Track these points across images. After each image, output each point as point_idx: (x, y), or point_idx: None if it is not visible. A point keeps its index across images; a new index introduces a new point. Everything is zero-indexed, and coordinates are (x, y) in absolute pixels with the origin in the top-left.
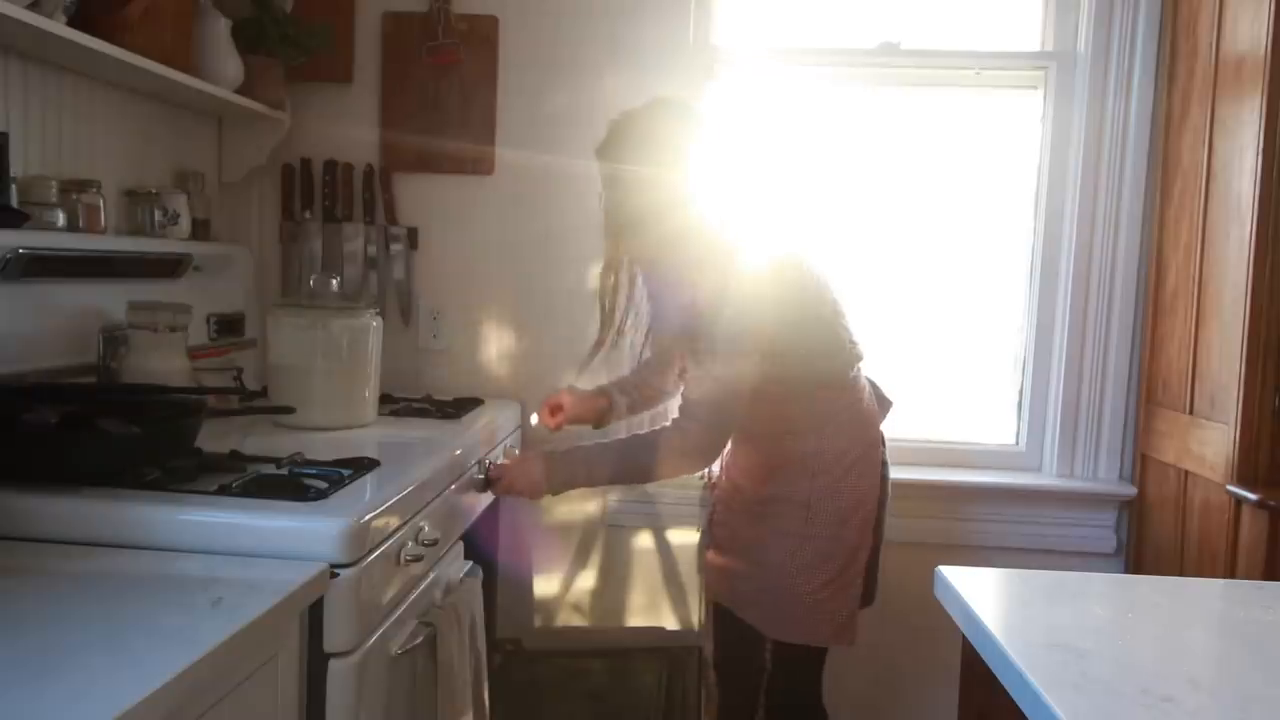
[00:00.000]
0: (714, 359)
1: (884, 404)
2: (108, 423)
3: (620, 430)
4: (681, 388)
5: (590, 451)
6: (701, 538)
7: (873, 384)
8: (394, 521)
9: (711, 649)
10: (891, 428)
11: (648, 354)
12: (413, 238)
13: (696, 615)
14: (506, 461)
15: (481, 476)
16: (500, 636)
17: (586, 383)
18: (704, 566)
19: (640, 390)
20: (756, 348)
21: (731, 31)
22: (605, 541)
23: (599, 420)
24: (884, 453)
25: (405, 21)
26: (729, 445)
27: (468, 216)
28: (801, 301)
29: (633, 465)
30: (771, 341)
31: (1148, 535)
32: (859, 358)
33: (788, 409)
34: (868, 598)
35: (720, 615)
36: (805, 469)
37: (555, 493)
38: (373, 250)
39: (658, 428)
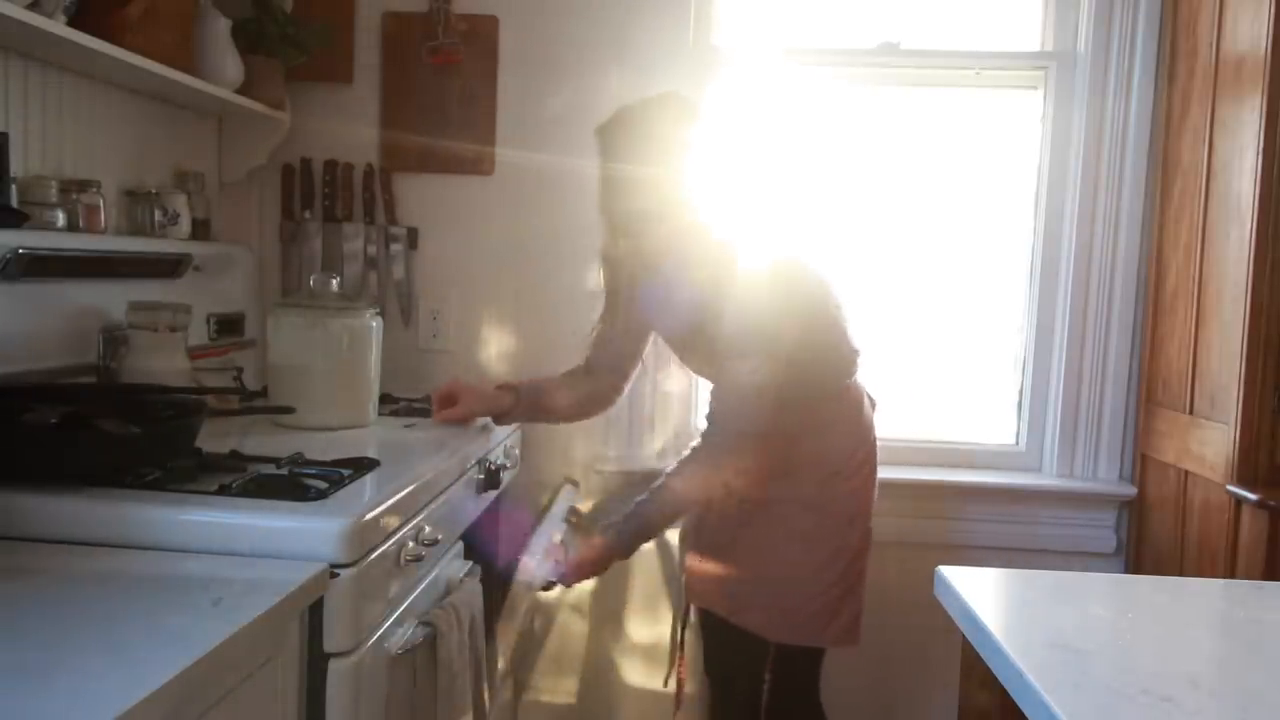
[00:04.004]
0: (738, 355)
1: (873, 405)
2: (108, 423)
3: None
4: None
5: (649, 504)
6: (681, 544)
7: (866, 391)
8: (394, 521)
9: (679, 657)
10: (892, 428)
11: (603, 351)
12: (413, 238)
13: (674, 623)
14: (558, 559)
15: (547, 581)
16: None
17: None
18: (685, 572)
19: (555, 394)
20: (778, 339)
21: (731, 31)
22: None
23: (499, 417)
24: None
25: (405, 21)
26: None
27: (468, 216)
28: (809, 301)
29: (694, 496)
30: (787, 338)
31: (1148, 535)
32: (861, 360)
33: (799, 409)
34: None
35: (710, 623)
36: (816, 470)
37: (627, 555)
38: (373, 250)
39: (689, 456)
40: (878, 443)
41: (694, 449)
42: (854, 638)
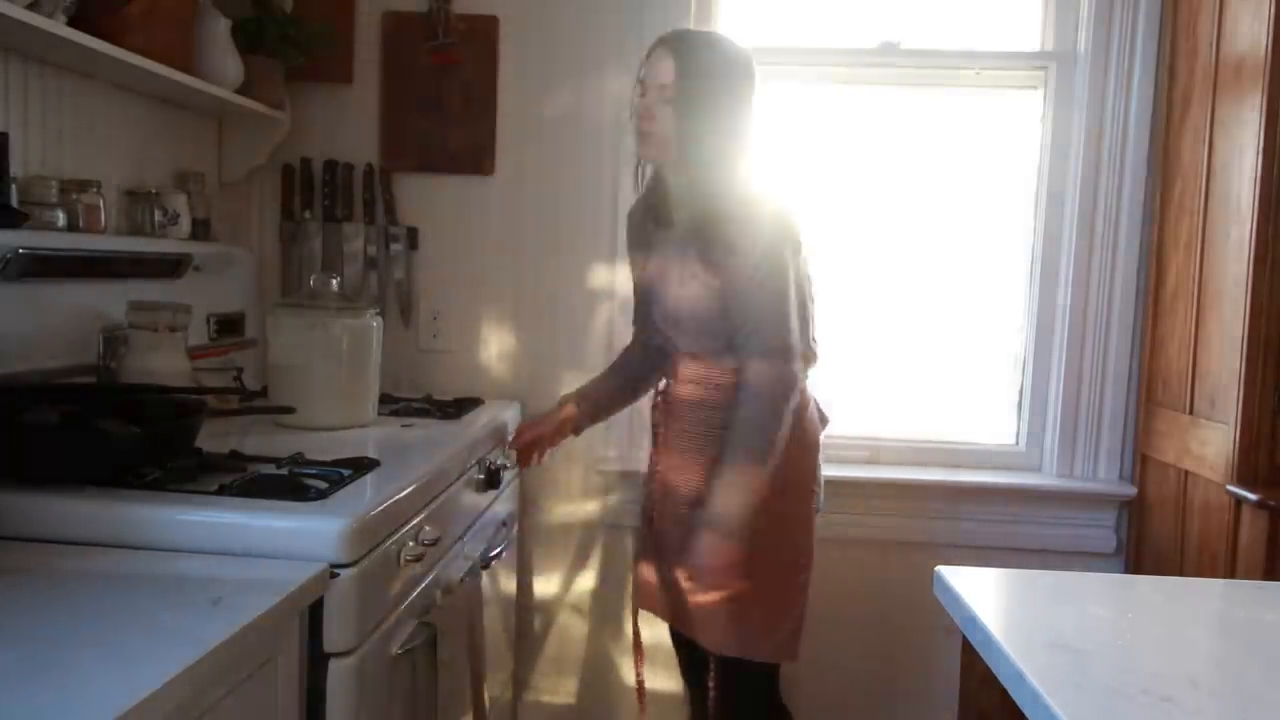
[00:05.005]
0: (780, 349)
1: (823, 419)
2: (108, 423)
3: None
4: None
5: (729, 478)
6: (636, 548)
7: (815, 399)
8: (394, 521)
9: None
10: (892, 428)
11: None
12: (413, 238)
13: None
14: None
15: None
16: None
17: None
18: (634, 572)
19: (609, 382)
20: (801, 334)
21: (732, 31)
22: (605, 542)
23: (575, 429)
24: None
25: (405, 21)
26: (666, 443)
27: (468, 216)
28: (799, 275)
29: (756, 446)
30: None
31: (1148, 535)
32: (816, 359)
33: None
34: None
35: (675, 630)
36: (778, 473)
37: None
38: (373, 250)
39: (739, 399)
40: (878, 442)
41: (740, 398)
42: (791, 653)
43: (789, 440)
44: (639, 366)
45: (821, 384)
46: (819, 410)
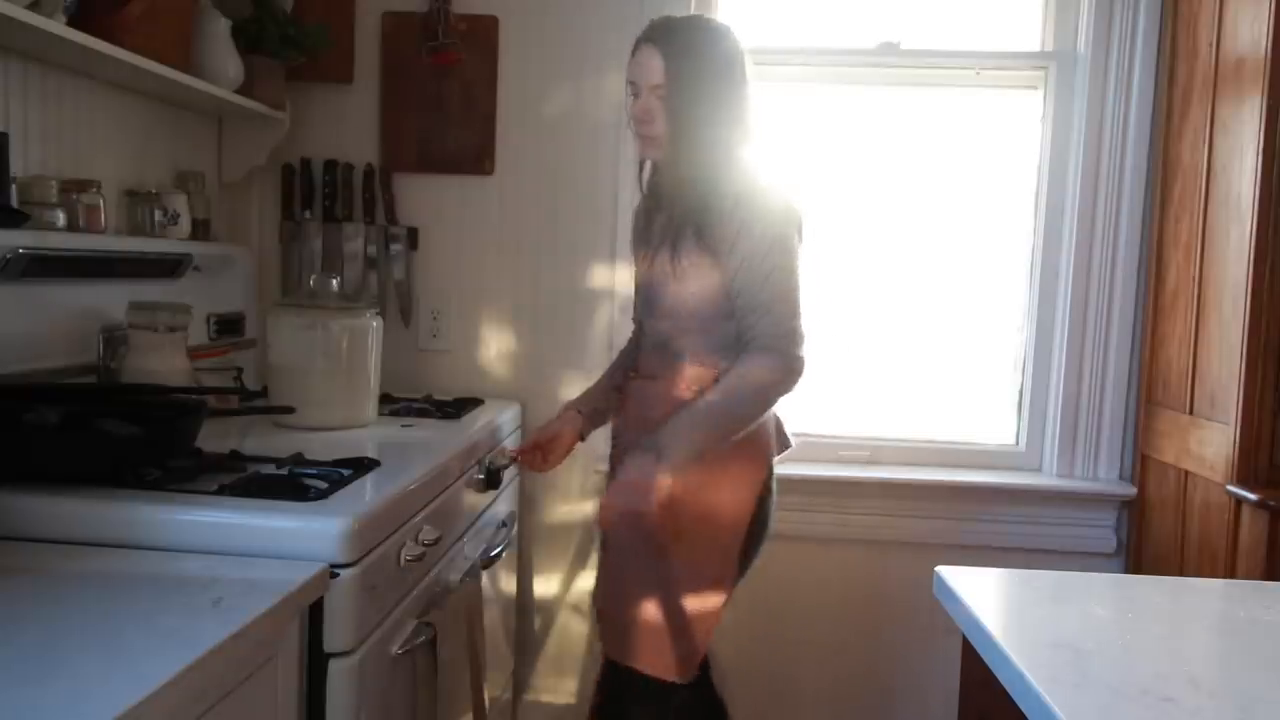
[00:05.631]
0: (769, 270)
1: (783, 443)
2: (108, 423)
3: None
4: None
5: (692, 419)
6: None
7: (779, 420)
8: (394, 521)
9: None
10: (892, 428)
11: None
12: (413, 238)
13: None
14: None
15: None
16: None
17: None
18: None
19: (615, 377)
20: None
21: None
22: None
23: (582, 436)
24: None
25: (405, 21)
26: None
27: (468, 216)
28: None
29: (738, 416)
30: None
31: (1148, 535)
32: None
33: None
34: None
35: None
36: (707, 489)
37: (675, 474)
38: (373, 250)
39: (741, 369)
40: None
41: (745, 367)
42: (685, 674)
43: (733, 457)
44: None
45: (817, 387)
46: (778, 429)
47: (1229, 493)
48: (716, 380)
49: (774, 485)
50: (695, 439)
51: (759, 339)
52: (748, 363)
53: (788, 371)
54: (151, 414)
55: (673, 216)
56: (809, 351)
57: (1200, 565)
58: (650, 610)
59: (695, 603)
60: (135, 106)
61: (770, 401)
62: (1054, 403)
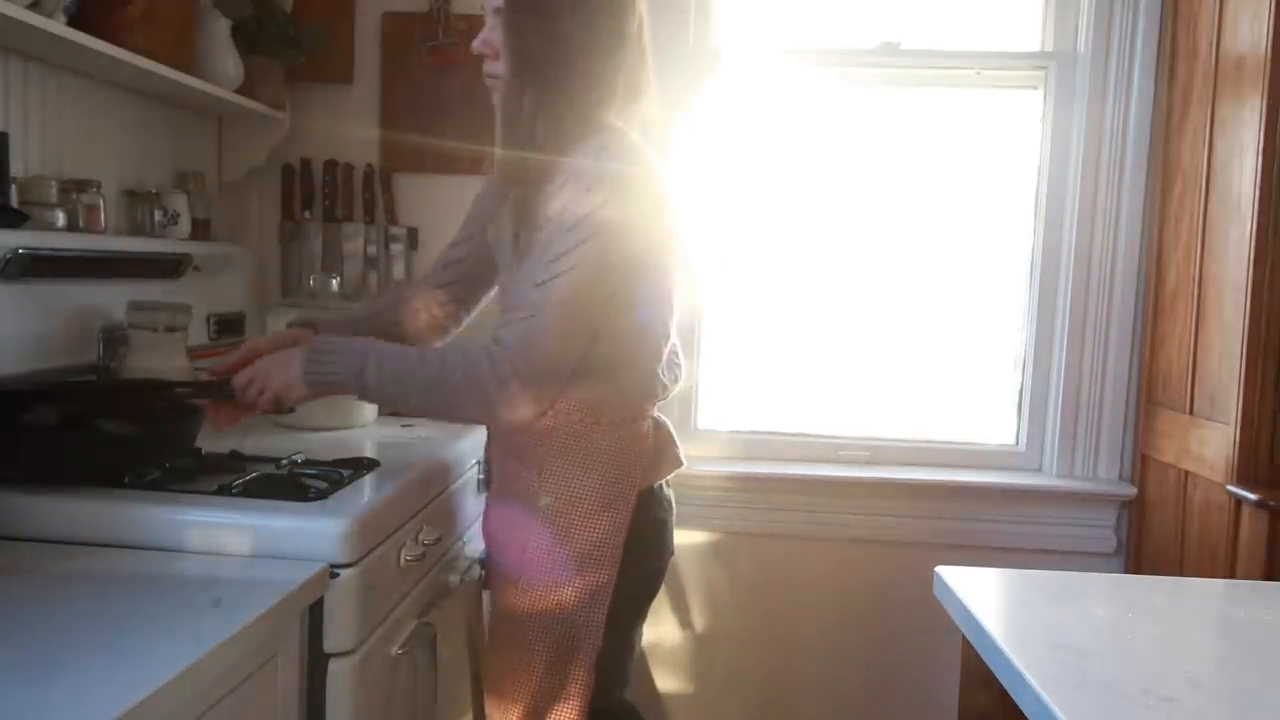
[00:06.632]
0: (555, 273)
1: (675, 460)
2: (108, 423)
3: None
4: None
5: (380, 353)
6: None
7: (673, 436)
8: (394, 521)
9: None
10: (892, 428)
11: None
12: (413, 238)
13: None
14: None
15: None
16: None
17: None
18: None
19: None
20: (611, 268)
21: (731, 32)
22: None
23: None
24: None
25: (405, 21)
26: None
27: None
28: (662, 253)
29: (437, 393)
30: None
31: (1148, 535)
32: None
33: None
34: None
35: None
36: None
37: (316, 393)
38: (373, 250)
39: (470, 347)
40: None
41: (474, 348)
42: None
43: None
44: (405, 312)
45: (822, 384)
46: (674, 450)
47: (1229, 493)
48: (439, 354)
49: (665, 516)
50: (359, 382)
51: (502, 340)
52: (475, 355)
53: (497, 398)
54: (151, 414)
55: (508, 188)
56: (539, 397)
57: (1200, 565)
58: (516, 680)
59: (563, 667)
60: (135, 106)
61: (457, 413)
62: (1054, 402)
